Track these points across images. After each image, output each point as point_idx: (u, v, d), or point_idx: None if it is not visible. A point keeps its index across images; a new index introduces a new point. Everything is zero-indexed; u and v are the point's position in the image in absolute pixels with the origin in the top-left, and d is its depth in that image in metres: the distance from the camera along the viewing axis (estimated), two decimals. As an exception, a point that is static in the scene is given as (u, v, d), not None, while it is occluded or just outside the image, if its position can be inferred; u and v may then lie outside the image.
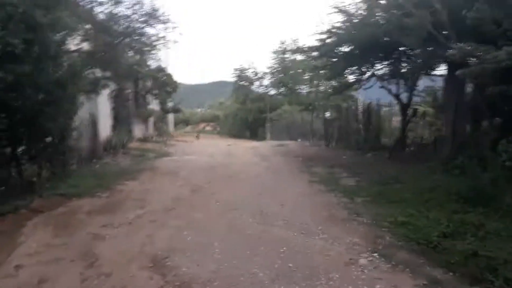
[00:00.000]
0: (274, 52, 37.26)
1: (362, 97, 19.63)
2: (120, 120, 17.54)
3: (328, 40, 13.18)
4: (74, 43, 10.98)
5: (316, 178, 9.66)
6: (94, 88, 11.51)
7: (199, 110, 57.12)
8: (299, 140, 25.74)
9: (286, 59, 37.17)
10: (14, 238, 5.20)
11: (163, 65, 27.12)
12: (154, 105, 26.00)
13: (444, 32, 7.89)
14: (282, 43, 36.80)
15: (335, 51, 13.77)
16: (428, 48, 8.28)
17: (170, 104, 28.18)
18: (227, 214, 6.31)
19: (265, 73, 37.49)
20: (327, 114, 26.02)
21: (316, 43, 13.59)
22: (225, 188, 8.76)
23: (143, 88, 23.51)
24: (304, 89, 36.89)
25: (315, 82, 35.04)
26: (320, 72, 24.84)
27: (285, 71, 36.02)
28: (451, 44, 6.79)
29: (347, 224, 5.56)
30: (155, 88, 24.84)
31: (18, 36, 5.21)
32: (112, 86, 16.24)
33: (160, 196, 7.95)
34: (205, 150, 19.07)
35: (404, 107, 13.90)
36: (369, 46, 11.37)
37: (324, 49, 13.76)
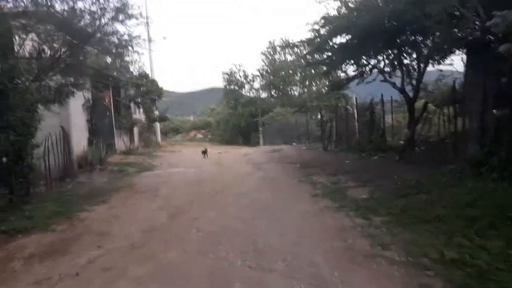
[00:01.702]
0: (263, 53, 35.89)
1: (358, 94, 18.14)
2: (98, 133, 15.87)
3: (322, 31, 11.75)
4: (28, 45, 9.43)
5: (320, 190, 8.13)
6: (57, 97, 9.93)
7: (191, 118, 55.44)
8: (294, 143, 24.24)
9: (276, 60, 35.79)
10: None
11: (146, 72, 25.73)
12: (139, 114, 24.34)
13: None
14: (271, 43, 35.46)
15: (330, 43, 12.36)
16: (448, 26, 6.81)
17: (156, 113, 26.51)
18: (209, 252, 4.74)
19: (255, 76, 36.07)
20: (322, 115, 24.58)
21: (309, 36, 12.17)
22: (210, 210, 7.20)
23: (125, 96, 21.87)
24: (296, 90, 35.57)
25: (307, 82, 33.79)
26: (313, 69, 23.54)
27: (276, 73, 34.61)
28: (483, 15, 5.32)
29: (373, 264, 4.00)
30: (138, 96, 23.24)
31: None
32: (86, 95, 14.70)
33: (129, 226, 6.36)
34: (193, 160, 17.49)
35: (411, 102, 12.45)
36: (370, 34, 9.96)
37: (319, 42, 12.33)
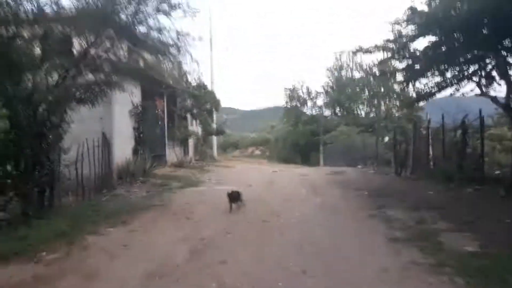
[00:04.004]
0: (329, 70, 33.65)
1: (430, 115, 15.43)
2: (145, 143, 14.72)
3: (404, 31, 9.58)
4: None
5: (399, 232, 5.89)
6: (87, 96, 8.69)
7: (251, 135, 54.58)
8: (359, 166, 21.69)
9: (343, 77, 33.38)
10: None
11: (205, 82, 24.67)
12: (195, 126, 23.31)
13: None
14: (338, 59, 33.16)
15: (411, 48, 10.21)
16: None
17: (213, 126, 25.34)
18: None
19: (319, 93, 33.97)
20: (391, 136, 21.93)
21: (389, 37, 10.06)
22: (246, 249, 5.29)
23: (181, 107, 20.88)
24: (362, 109, 32.85)
25: (375, 101, 30.89)
26: (383, 86, 21.09)
27: (341, 90, 32.19)
28: None
29: None
30: (195, 107, 22.20)
31: None
32: (134, 101, 13.66)
33: (133, 265, 4.66)
34: (245, 177, 15.72)
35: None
36: (471, 30, 7.65)
37: (398, 46, 10.17)
